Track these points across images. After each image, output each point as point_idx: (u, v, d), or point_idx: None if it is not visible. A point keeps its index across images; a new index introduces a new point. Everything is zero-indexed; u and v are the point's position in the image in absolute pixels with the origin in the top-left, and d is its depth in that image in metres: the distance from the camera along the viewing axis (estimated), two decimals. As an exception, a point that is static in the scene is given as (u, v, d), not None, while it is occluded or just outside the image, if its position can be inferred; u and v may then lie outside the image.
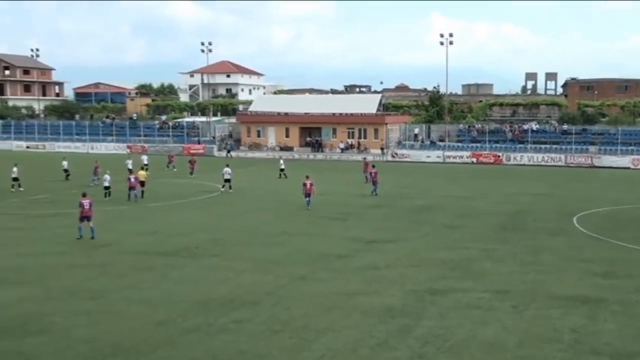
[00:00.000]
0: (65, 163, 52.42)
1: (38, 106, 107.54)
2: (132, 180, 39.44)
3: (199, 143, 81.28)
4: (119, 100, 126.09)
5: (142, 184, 40.64)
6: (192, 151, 78.17)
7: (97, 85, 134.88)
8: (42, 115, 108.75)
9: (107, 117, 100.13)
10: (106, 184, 39.89)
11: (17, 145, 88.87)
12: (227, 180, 43.49)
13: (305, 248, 25.45)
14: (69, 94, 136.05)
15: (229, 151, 77.21)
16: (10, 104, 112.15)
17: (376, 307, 17.73)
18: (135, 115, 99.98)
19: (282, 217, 33.31)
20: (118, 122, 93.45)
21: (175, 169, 58.34)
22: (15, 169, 44.98)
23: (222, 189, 43.11)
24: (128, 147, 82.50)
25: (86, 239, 26.78)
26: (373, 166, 44.82)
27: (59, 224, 30.65)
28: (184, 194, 42.35)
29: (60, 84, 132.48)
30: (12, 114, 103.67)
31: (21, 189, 43.93)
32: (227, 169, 44.13)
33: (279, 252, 24.72)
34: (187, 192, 43.37)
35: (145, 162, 55.73)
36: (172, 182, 48.89)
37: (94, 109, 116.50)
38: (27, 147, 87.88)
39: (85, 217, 27.02)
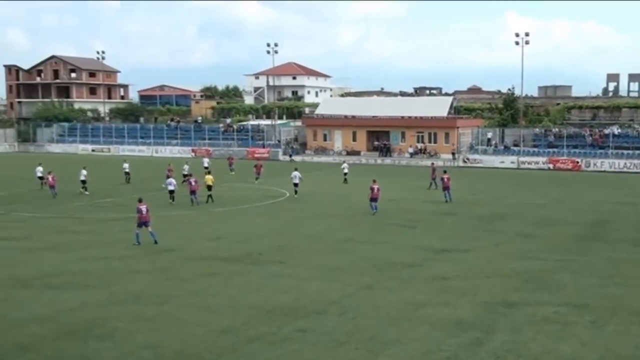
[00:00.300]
0: (126, 165, 54.04)
1: (103, 109, 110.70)
2: (193, 183, 40.27)
3: (263, 147, 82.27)
4: (183, 102, 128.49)
5: (210, 188, 41.36)
6: (256, 155, 79.23)
7: (162, 87, 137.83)
8: (107, 118, 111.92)
9: (172, 120, 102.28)
10: (171, 187, 40.87)
11: (83, 148, 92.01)
12: (296, 185, 44.01)
13: (372, 256, 25.43)
14: (133, 96, 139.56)
15: (290, 155, 77.95)
16: (76, 106, 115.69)
17: (445, 319, 17.57)
18: (199, 118, 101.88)
19: (348, 223, 33.38)
20: (182, 125, 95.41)
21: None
22: (84, 171, 46.92)
23: (296, 195, 43.64)
24: (192, 150, 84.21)
25: (149, 244, 27.46)
26: (445, 171, 44.46)
27: (122, 228, 31.52)
28: (248, 199, 42.92)
29: (125, 87, 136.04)
30: (78, 117, 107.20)
31: (87, 192, 45.51)
32: (297, 173, 44.64)
33: (345, 259, 24.78)
34: (252, 197, 43.94)
35: (206, 165, 57.08)
36: (237, 187, 49.64)
37: (158, 111, 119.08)
38: (92, 150, 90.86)
39: (143, 223, 27.61)
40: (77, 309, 18.42)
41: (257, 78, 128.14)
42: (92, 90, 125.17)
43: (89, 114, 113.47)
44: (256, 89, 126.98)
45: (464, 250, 26.58)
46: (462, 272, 22.81)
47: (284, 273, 22.65)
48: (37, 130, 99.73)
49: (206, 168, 55.93)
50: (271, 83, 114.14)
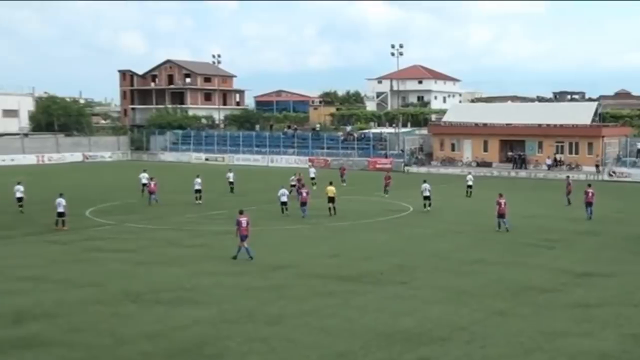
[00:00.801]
0: (230, 175, 55.76)
1: (218, 116, 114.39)
2: (304, 194, 41.23)
3: (385, 157, 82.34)
4: (301, 109, 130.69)
5: (332, 200, 42.02)
6: (378, 166, 79.43)
7: (279, 93, 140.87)
8: (221, 126, 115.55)
9: (289, 127, 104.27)
10: (284, 199, 41.92)
11: (196, 157, 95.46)
12: (427, 198, 43.97)
13: (504, 278, 24.90)
14: (249, 102, 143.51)
15: (406, 165, 77.96)
16: (190, 113, 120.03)
17: (586, 351, 16.95)
18: (318, 125, 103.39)
19: (477, 241, 32.87)
20: (300, 133, 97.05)
21: (344, 184, 59.78)
22: (198, 180, 49.18)
23: (425, 209, 43.72)
24: (310, 160, 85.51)
25: (262, 259, 28.11)
26: (589, 185, 42.91)
27: (236, 243, 32.45)
28: (369, 213, 43.10)
29: (241, 92, 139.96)
30: (192, 124, 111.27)
31: (200, 201, 47.60)
32: (426, 185, 44.67)
33: (474, 281, 24.40)
34: (373, 211, 44.09)
35: (312, 176, 57.96)
36: (356, 200, 49.96)
37: (275, 118, 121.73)
38: (206, 159, 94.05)
39: (244, 237, 28.22)
40: (188, 327, 19.11)
41: (380, 82, 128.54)
42: (207, 96, 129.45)
43: (203, 121, 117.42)
44: (379, 94, 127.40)
45: (608, 275, 25.55)
46: (606, 299, 21.92)
47: (406, 294, 22.56)
48: (150, 138, 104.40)
49: (312, 179, 57.21)
50: (395, 88, 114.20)
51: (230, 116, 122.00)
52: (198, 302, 21.65)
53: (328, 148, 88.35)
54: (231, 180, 55.64)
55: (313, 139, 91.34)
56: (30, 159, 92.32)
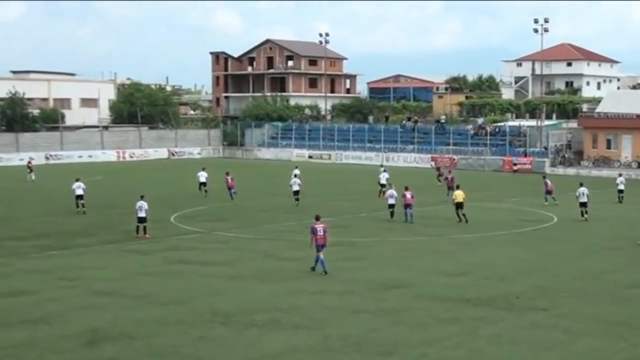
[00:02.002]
0: (297, 172, 57.20)
1: (324, 105, 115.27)
2: (408, 196, 42.30)
3: (525, 155, 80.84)
4: (423, 97, 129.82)
5: (461, 205, 42.30)
6: (516, 167, 78.05)
7: (396, 78, 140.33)
8: (328, 117, 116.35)
9: (408, 119, 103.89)
10: (392, 201, 43.24)
11: (298, 154, 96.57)
12: (583, 205, 43.66)
13: (670, 308, 24.03)
14: (362, 89, 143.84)
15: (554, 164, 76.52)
16: (292, 102, 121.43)
17: None
18: (443, 117, 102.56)
19: (638, 260, 31.83)
20: (421, 126, 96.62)
21: (440, 183, 60.40)
22: (203, 172, 54.48)
23: (582, 217, 43.35)
24: (432, 159, 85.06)
25: (374, 277, 28.12)
26: None
27: (341, 256, 32.63)
28: (503, 223, 42.68)
29: (352, 78, 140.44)
30: (294, 116, 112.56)
31: (206, 195, 52.36)
32: (583, 189, 44.20)
33: (633, 310, 23.65)
34: (508, 221, 43.63)
35: (383, 182, 55.66)
36: (488, 207, 49.39)
37: (391, 108, 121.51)
38: (309, 156, 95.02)
39: (321, 246, 29.14)
40: (285, 355, 19.32)
41: (519, 65, 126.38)
42: (312, 82, 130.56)
43: (307, 111, 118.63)
44: (517, 80, 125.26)
45: None
46: None
47: (547, 324, 22.09)
48: (245, 132, 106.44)
49: (383, 185, 55.66)
50: (538, 71, 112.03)
51: (338, 106, 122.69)
52: (297, 326, 21.86)
53: (455, 144, 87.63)
54: (295, 187, 56.12)
55: (437, 134, 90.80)
56: (110, 155, 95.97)
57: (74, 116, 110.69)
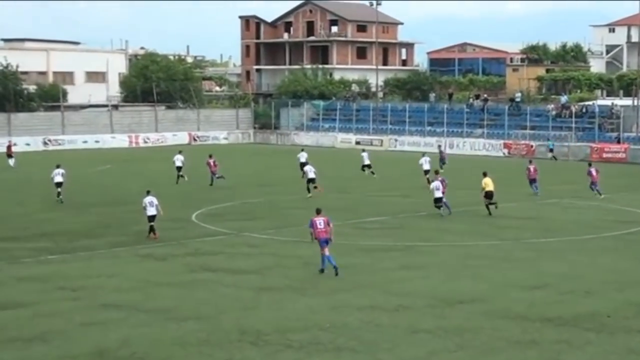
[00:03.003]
0: (303, 155, 59.72)
1: (376, 80, 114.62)
2: (439, 182, 44.20)
3: (618, 142, 79.92)
4: (494, 70, 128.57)
5: (489, 195, 43.82)
6: (606, 154, 77.30)
7: (462, 47, 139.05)
8: (380, 95, 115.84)
9: (476, 97, 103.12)
10: (438, 194, 43.79)
11: (343, 139, 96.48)
12: None
13: None
14: (420, 61, 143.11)
15: (553, 156, 76.59)
16: (337, 76, 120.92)
17: None
18: (518, 94, 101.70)
19: None
20: (492, 105, 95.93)
21: (442, 170, 60.91)
22: (179, 156, 58.69)
23: None
24: (505, 145, 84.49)
25: (432, 291, 28.04)
26: None
27: (395, 264, 32.64)
28: (590, 224, 42.40)
29: (409, 47, 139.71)
30: (338, 93, 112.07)
31: (185, 178, 55.13)
32: None
33: None
34: (595, 221, 43.36)
35: (367, 162, 62.39)
36: (572, 205, 49.08)
37: (456, 84, 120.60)
38: (357, 142, 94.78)
39: (324, 241, 30.66)
40: (327, 383, 19.37)
41: (611, 31, 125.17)
42: (361, 52, 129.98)
43: (355, 87, 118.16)
44: (610, 49, 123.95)
45: None
46: None
47: (646, 349, 21.89)
48: (280, 112, 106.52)
49: (367, 166, 62.37)
50: (635, 38, 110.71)
51: (392, 81, 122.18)
52: (341, 348, 21.89)
53: (532, 128, 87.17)
54: (302, 160, 59.58)
55: (511, 115, 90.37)
56: (120, 141, 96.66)
57: (77, 93, 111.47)
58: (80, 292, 28.15)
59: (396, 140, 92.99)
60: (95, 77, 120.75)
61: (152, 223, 38.20)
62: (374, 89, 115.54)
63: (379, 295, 27.68)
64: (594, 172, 51.31)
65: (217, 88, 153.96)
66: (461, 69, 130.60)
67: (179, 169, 59.74)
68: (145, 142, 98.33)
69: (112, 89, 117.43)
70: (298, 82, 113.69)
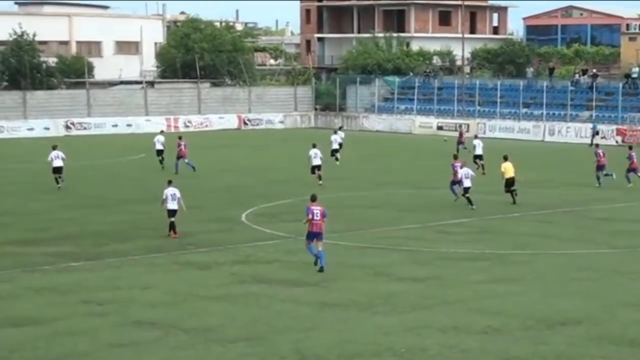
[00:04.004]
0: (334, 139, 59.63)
1: (462, 52, 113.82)
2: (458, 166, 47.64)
3: None
4: (606, 39, 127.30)
5: (511, 182, 46.52)
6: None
7: (566, 10, 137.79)
8: (466, 69, 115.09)
9: (584, 72, 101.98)
10: (467, 183, 46.01)
11: (422, 123, 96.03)
12: None
13: None
14: (515, 28, 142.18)
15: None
16: (414, 47, 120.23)
17: None
18: (635, 69, 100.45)
19: None
20: (602, 82, 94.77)
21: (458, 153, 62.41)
22: (160, 137, 62.19)
23: None
24: (619, 131, 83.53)
25: (530, 306, 27.88)
26: None
27: (485, 276, 32.56)
28: None
29: (502, 11, 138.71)
30: (416, 67, 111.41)
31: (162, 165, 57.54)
32: None
33: None
34: None
35: (335, 147, 64.50)
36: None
37: (558, 56, 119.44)
38: (439, 127, 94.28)
39: (314, 235, 32.41)
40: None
41: None
42: (444, 18, 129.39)
43: (436, 61, 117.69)
44: None
45: None
46: None
47: None
48: (346, 91, 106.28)
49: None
50: None
51: (481, 52, 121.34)
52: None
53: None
54: (335, 147, 63.00)
55: (626, 94, 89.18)
56: (156, 124, 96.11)
57: (105, 67, 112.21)
58: (108, 306, 28.32)
59: (485, 124, 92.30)
60: (127, 47, 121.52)
61: (172, 219, 38.98)
62: (459, 63, 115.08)
63: (464, 314, 27.57)
64: (634, 156, 53.76)
65: (272, 61, 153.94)
66: (565, 37, 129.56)
67: (159, 152, 63.25)
68: (186, 126, 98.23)
69: (147, 63, 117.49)
70: (368, 54, 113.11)
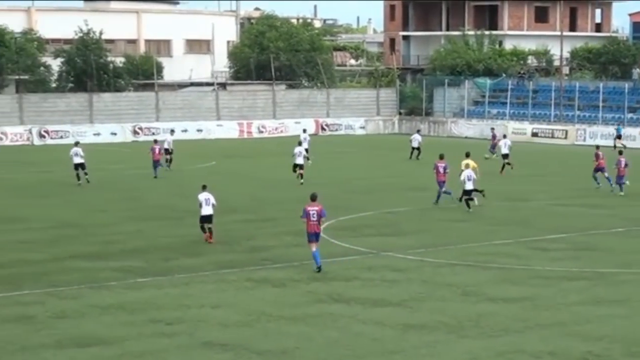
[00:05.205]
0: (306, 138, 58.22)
1: (560, 51, 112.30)
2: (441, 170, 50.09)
3: None
4: None
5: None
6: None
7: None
8: (565, 71, 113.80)
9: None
10: (469, 185, 47.42)
11: (516, 129, 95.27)
12: None
13: None
14: (620, 24, 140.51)
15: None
16: (507, 46, 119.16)
17: None
18: None
19: None
20: None
21: (494, 155, 64.34)
22: (169, 137, 65.87)
23: None
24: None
25: (632, 331, 27.59)
26: None
27: (584, 297, 32.35)
28: None
29: (605, 6, 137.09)
30: (510, 68, 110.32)
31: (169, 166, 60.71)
32: None
33: None
34: None
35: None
36: None
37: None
38: (535, 133, 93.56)
39: (314, 234, 35.09)
40: None
41: None
42: (540, 14, 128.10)
43: (531, 61, 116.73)
44: None
45: None
46: None
47: None
48: (434, 93, 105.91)
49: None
50: None
51: (582, 52, 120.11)
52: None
53: None
54: (415, 145, 67.61)
55: None
56: (228, 129, 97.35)
57: (175, 68, 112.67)
58: (176, 326, 28.51)
59: (585, 130, 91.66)
60: (198, 46, 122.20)
61: (207, 224, 40.92)
62: (556, 63, 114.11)
63: (561, 338, 27.34)
64: (622, 163, 55.57)
65: (352, 61, 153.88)
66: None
67: (167, 151, 67.20)
68: (260, 131, 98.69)
69: (219, 63, 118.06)
70: (457, 54, 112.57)
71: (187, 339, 27.18)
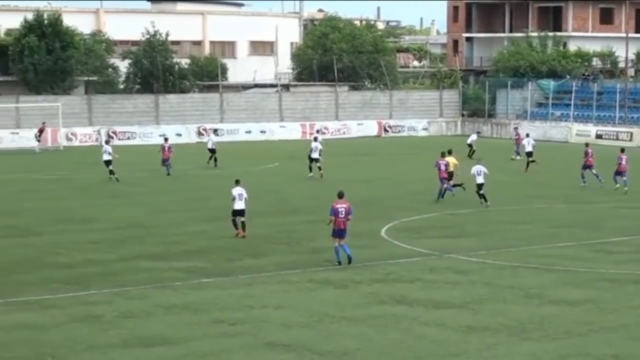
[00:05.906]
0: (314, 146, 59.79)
1: (625, 53, 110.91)
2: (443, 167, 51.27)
3: None
4: None
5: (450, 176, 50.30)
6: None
7: None
8: (631, 73, 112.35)
9: None
10: (480, 179, 47.61)
11: (579, 131, 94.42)
12: None
13: None
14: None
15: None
16: (572, 47, 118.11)
17: None
18: None
19: None
20: None
21: (518, 156, 65.52)
22: (213, 137, 67.03)
23: None
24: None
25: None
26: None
27: (638, 297, 32.11)
28: None
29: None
30: (574, 70, 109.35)
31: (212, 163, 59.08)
32: None
33: None
34: None
35: (316, 156, 64.46)
36: None
37: None
38: (599, 135, 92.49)
39: (339, 232, 35.84)
40: None
41: None
42: (605, 15, 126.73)
43: (596, 62, 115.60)
44: None
45: None
46: None
47: None
48: (497, 95, 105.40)
49: (315, 160, 64.92)
50: None
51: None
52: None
53: None
54: (468, 142, 69.08)
55: None
56: (291, 130, 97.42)
57: (239, 69, 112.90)
58: (239, 326, 28.61)
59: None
60: (262, 48, 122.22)
61: (240, 218, 42.34)
62: (622, 65, 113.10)
63: (626, 342, 27.13)
64: (623, 161, 56.88)
65: (416, 63, 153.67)
66: None
67: (212, 151, 69.95)
68: (323, 132, 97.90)
69: (282, 64, 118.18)
70: (521, 55, 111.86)
71: (250, 339, 27.27)
